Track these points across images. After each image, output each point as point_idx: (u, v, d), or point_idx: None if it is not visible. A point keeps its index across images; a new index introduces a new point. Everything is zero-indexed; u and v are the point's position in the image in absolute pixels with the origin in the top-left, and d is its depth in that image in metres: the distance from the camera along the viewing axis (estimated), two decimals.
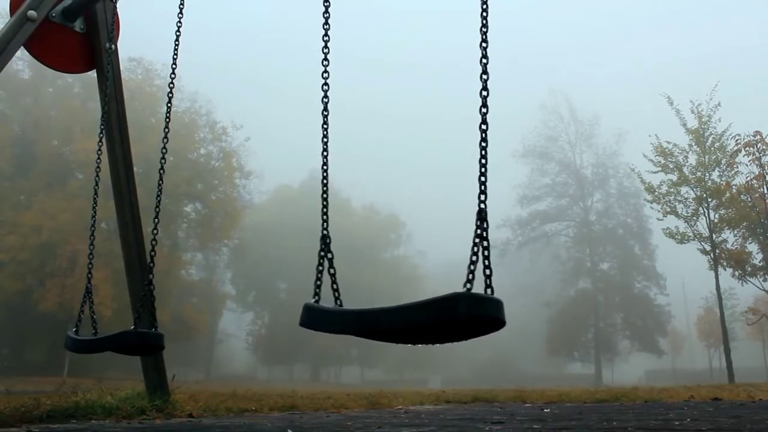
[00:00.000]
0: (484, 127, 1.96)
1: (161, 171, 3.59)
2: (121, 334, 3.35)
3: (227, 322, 55.66)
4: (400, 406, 5.95)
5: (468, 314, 1.71)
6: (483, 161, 1.93)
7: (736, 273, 21.72)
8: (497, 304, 1.75)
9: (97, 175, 4.04)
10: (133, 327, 3.49)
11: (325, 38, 2.59)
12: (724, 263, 21.56)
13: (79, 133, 30.99)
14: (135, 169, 4.66)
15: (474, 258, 1.79)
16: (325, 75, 2.56)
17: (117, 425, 3.49)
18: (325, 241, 2.28)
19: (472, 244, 1.80)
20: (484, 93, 1.99)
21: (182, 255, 40.03)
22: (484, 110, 1.97)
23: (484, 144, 1.95)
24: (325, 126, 2.52)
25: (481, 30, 2.05)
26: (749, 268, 21.62)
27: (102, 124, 4.26)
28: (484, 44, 2.04)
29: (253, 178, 42.73)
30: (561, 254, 51.08)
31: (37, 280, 31.03)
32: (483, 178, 1.91)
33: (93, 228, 3.90)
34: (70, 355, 21.53)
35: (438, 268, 65.44)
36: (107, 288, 27.77)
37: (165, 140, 3.62)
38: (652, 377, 48.85)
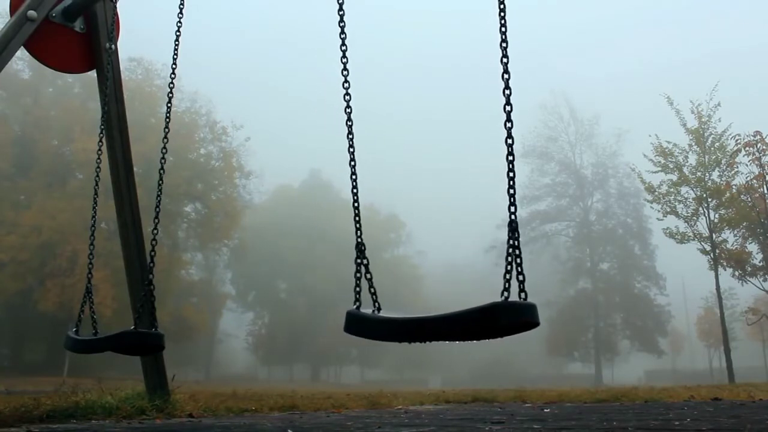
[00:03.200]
0: (510, 141, 2.02)
1: (161, 171, 3.59)
2: (121, 334, 3.35)
3: (227, 322, 55.67)
4: (400, 406, 5.94)
5: (508, 322, 1.83)
6: (511, 174, 2.00)
7: (736, 273, 21.71)
8: (532, 309, 1.86)
9: (97, 175, 4.03)
10: (133, 327, 3.49)
11: (343, 48, 2.58)
12: (724, 263, 21.54)
13: (79, 133, 30.97)
14: (135, 169, 4.66)
15: (509, 267, 1.88)
16: (346, 85, 2.55)
17: (117, 425, 3.49)
18: (360, 248, 2.31)
19: (506, 254, 1.90)
20: (508, 108, 2.03)
21: (182, 255, 40.01)
22: (509, 125, 2.02)
23: (511, 158, 2.01)
24: (350, 136, 2.52)
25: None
26: (749, 268, 21.60)
27: (102, 124, 4.25)
28: (504, 59, 2.08)
29: (253, 178, 42.78)
30: (561, 254, 51.08)
31: (37, 280, 31.01)
32: (512, 191, 1.99)
33: (93, 228, 3.89)
34: (70, 355, 21.50)
35: (437, 269, 65.51)
36: (107, 288, 27.77)
37: (165, 140, 3.61)
38: (652, 377, 48.81)
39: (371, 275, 2.29)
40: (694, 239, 21.78)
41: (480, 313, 1.83)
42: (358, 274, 2.28)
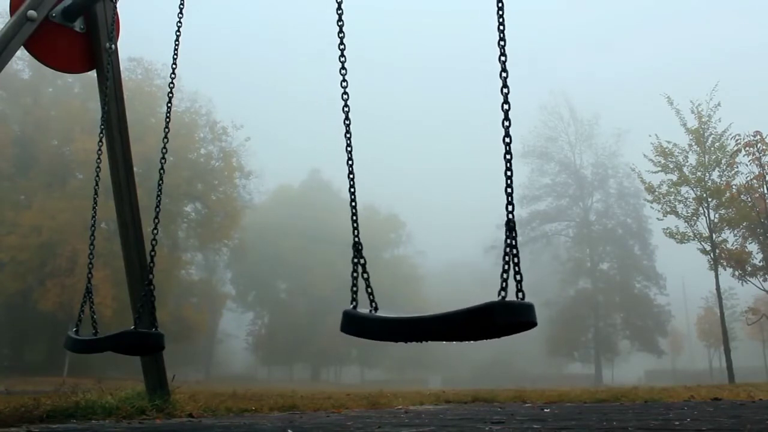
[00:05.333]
0: (507, 140, 2.01)
1: (161, 171, 3.58)
2: (121, 334, 3.34)
3: (227, 322, 55.66)
4: (400, 406, 5.94)
5: (504, 322, 1.82)
6: (508, 173, 1.99)
7: (736, 273, 21.71)
8: (529, 309, 1.86)
9: (97, 175, 4.03)
10: (133, 327, 3.49)
11: (341, 47, 2.60)
12: (724, 263, 21.55)
13: (79, 133, 30.98)
14: (135, 169, 4.66)
15: (506, 267, 1.88)
16: (344, 84, 2.56)
17: (117, 425, 3.49)
18: (357, 247, 2.33)
19: (503, 253, 1.90)
20: (506, 107, 2.03)
21: (182, 255, 40.03)
22: (506, 123, 2.02)
23: (508, 156, 2.00)
24: (348, 135, 2.53)
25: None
26: (749, 268, 21.61)
27: (102, 124, 4.25)
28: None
29: (253, 178, 42.79)
30: (561, 254, 51.08)
31: (37, 280, 31.03)
32: (510, 190, 1.97)
33: (93, 228, 3.89)
34: (70, 355, 21.51)
35: (437, 269, 65.50)
36: (107, 288, 27.77)
37: (165, 140, 3.61)
38: (652, 377, 48.82)
39: (368, 275, 2.29)
40: (694, 239, 21.79)
41: (476, 313, 1.83)
42: (355, 274, 2.28)
